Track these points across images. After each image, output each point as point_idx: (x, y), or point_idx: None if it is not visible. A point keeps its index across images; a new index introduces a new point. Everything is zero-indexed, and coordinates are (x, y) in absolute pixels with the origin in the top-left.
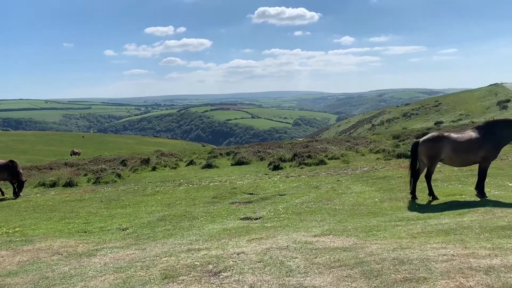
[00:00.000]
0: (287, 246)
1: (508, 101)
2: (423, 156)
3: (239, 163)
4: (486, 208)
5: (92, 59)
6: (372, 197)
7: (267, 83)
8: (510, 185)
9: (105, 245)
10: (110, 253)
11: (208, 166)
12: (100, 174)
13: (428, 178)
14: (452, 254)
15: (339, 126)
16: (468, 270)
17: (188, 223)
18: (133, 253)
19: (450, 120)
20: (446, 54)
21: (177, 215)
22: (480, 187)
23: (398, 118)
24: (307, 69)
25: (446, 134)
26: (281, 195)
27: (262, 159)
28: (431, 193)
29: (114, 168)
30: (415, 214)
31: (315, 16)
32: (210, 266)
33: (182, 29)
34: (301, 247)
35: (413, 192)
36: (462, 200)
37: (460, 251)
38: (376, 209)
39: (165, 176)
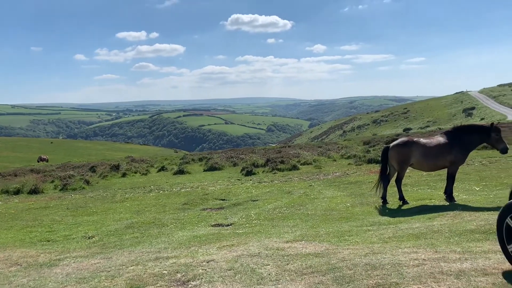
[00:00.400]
0: (259, 253)
1: (473, 108)
2: (393, 161)
3: (212, 169)
4: (455, 212)
5: (61, 64)
6: (344, 202)
7: (241, 89)
8: (476, 189)
9: (68, 255)
10: (74, 262)
11: (180, 172)
12: (67, 181)
13: (398, 182)
14: (423, 259)
15: (311, 132)
16: (439, 274)
17: (157, 230)
18: (98, 262)
19: (418, 127)
20: (413, 63)
21: (146, 222)
22: (449, 192)
23: (369, 124)
24: (280, 76)
25: (415, 139)
26: (253, 201)
27: (235, 164)
28: (401, 197)
29: (83, 175)
30: (386, 218)
31: (287, 24)
32: (179, 275)
33: (155, 34)
34: (272, 254)
35: (384, 197)
36: (432, 204)
37: (431, 255)
38: (348, 214)
39: (135, 183)
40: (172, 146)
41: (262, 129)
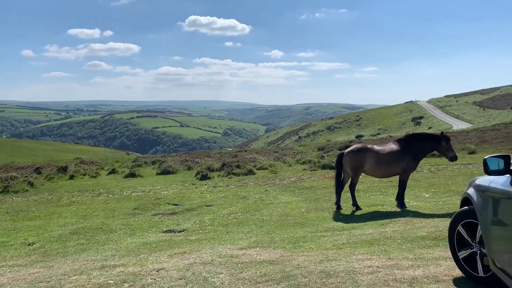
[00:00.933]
0: (212, 260)
1: (421, 117)
2: (348, 167)
3: (165, 172)
4: (406, 218)
5: (7, 59)
6: (299, 207)
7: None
8: (426, 196)
9: (5, 263)
10: (10, 272)
11: (132, 175)
12: (9, 183)
13: (352, 188)
14: (377, 266)
15: (268, 137)
16: (393, 282)
17: (104, 236)
18: (38, 272)
19: (370, 134)
20: (367, 72)
21: (93, 227)
22: (400, 198)
23: (323, 130)
24: (237, 80)
25: (369, 146)
26: (207, 206)
27: (189, 168)
28: (354, 203)
29: (27, 176)
30: (340, 224)
31: (246, 28)
32: (126, 285)
33: (108, 32)
34: (226, 261)
35: (338, 202)
36: (384, 210)
37: (384, 262)
38: (303, 219)
39: (84, 185)
40: (125, 148)
41: (219, 133)
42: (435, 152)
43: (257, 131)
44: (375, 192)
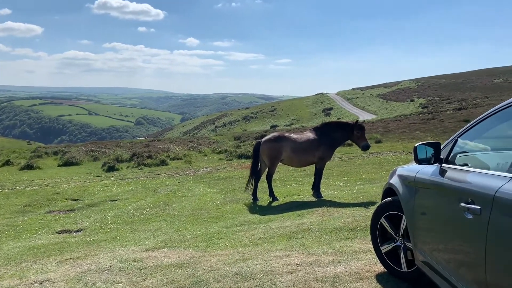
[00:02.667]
0: (110, 266)
1: (331, 108)
2: (265, 156)
3: (68, 163)
4: (323, 208)
5: None
6: (214, 199)
7: (108, 78)
8: (340, 184)
9: None
10: None
11: (29, 167)
12: None
13: (269, 178)
14: (297, 264)
15: (183, 126)
16: (314, 282)
17: None
18: None
19: (284, 124)
20: (281, 63)
21: None
22: (316, 187)
23: (239, 120)
24: (151, 67)
25: (286, 134)
26: (112, 201)
27: (95, 159)
28: (271, 194)
29: None
30: (256, 217)
31: (160, 13)
32: None
33: (6, 11)
34: (127, 267)
35: (254, 193)
36: (301, 200)
37: (304, 259)
38: (217, 213)
39: None
40: (26, 138)
41: (131, 121)
42: (350, 141)
43: (172, 120)
44: (291, 181)
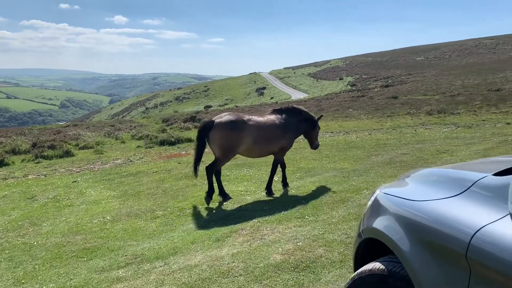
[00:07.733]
0: None
1: (264, 88)
2: (216, 146)
3: None
4: (253, 223)
5: None
6: (105, 211)
7: (27, 58)
8: (275, 179)
9: None
10: None
11: None
12: None
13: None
14: None
15: (112, 108)
16: None
17: None
18: None
19: (217, 104)
20: (214, 42)
21: None
22: (269, 186)
23: (171, 101)
24: (75, 46)
25: (246, 118)
26: None
27: None
28: (221, 191)
29: None
30: (155, 245)
31: None
32: None
33: None
34: None
35: (221, 192)
36: (235, 206)
37: None
38: (100, 238)
39: None
40: None
41: (55, 104)
42: (306, 135)
43: (100, 103)
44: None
